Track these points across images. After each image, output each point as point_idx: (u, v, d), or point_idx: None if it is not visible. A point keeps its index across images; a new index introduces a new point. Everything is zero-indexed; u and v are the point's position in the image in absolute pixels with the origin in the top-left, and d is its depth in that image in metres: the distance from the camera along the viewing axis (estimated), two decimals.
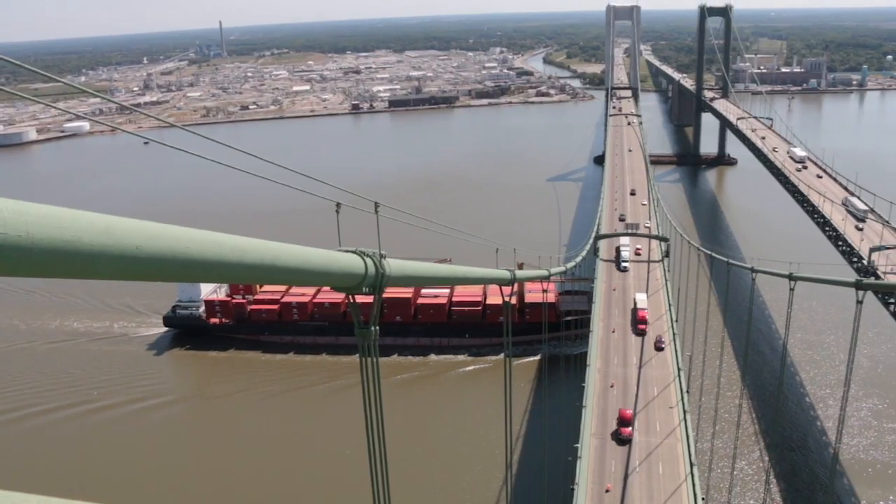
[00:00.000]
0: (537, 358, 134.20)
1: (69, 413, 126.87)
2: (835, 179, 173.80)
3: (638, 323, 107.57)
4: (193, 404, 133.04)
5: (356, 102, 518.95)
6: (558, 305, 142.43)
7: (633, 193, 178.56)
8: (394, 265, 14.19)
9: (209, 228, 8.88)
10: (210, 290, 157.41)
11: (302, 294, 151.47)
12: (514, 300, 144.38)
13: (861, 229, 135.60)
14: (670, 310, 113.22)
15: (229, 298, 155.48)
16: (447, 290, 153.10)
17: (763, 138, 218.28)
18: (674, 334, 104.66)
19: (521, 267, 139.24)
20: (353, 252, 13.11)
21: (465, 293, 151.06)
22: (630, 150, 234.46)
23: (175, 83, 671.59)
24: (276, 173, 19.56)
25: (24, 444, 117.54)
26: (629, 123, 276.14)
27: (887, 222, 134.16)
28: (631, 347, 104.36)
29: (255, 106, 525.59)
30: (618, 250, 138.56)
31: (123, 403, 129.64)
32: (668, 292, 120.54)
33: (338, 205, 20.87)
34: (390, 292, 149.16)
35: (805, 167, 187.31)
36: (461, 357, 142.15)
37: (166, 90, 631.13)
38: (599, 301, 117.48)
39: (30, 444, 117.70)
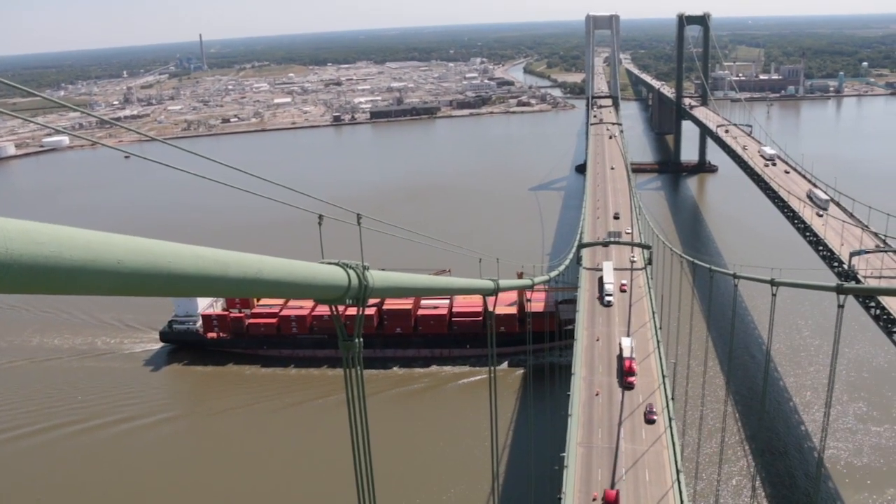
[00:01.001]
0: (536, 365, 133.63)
1: (65, 432, 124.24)
2: (801, 174, 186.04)
3: (625, 374, 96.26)
4: (193, 421, 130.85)
5: (337, 114, 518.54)
6: (558, 314, 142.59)
7: (616, 217, 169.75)
8: (377, 276, 14.16)
9: (192, 242, 8.83)
10: (207, 305, 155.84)
11: (300, 307, 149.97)
12: (515, 309, 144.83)
13: (821, 215, 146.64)
14: (654, 317, 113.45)
15: (227, 312, 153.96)
16: (447, 301, 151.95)
17: (745, 147, 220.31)
18: (658, 342, 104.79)
19: (520, 276, 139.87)
20: (336, 264, 13.08)
21: (465, 304, 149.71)
22: (612, 162, 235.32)
23: (155, 97, 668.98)
24: (258, 186, 19.51)
25: (19, 465, 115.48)
26: (611, 137, 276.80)
27: (852, 214, 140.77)
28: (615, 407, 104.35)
29: (236, 119, 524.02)
30: (601, 283, 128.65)
31: (121, 421, 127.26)
32: (651, 300, 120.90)
33: (320, 217, 20.84)
34: (390, 304, 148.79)
35: (774, 164, 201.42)
36: (463, 368, 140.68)
37: (147, 104, 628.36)
38: (583, 309, 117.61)
39: (25, 464, 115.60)
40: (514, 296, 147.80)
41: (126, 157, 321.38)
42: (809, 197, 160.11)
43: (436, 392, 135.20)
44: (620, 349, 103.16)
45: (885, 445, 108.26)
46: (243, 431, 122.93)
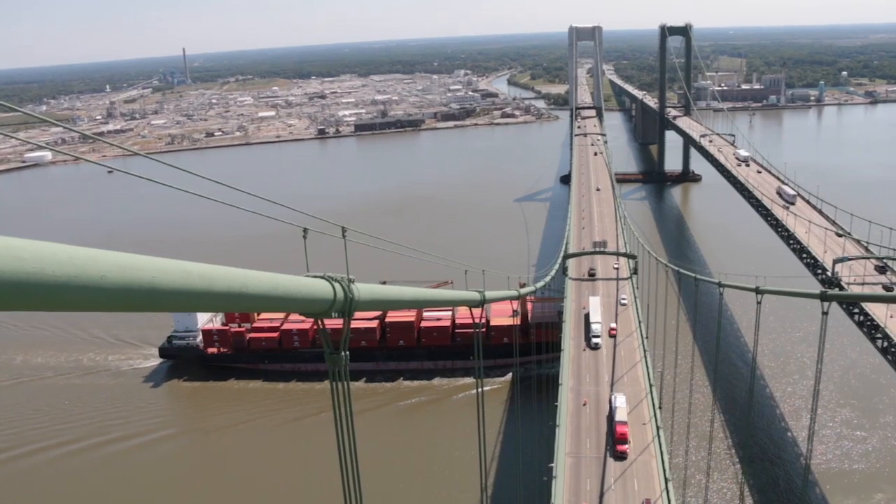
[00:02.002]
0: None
1: (64, 451, 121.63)
2: (770, 173, 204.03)
3: (616, 442, 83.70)
4: (193, 438, 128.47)
5: (322, 127, 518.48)
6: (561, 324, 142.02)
7: (602, 247, 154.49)
8: (363, 289, 14.13)
9: (176, 257, 8.79)
10: (206, 320, 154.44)
11: (302, 321, 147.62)
12: (518, 320, 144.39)
13: (787, 208, 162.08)
14: (640, 327, 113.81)
15: (227, 327, 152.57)
16: (449, 313, 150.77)
17: (720, 149, 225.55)
18: (644, 351, 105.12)
19: (522, 286, 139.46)
20: (322, 277, 13.05)
21: (468, 315, 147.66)
22: (597, 175, 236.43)
23: (139, 111, 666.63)
24: (242, 200, 19.47)
25: (17, 485, 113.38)
26: (595, 150, 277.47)
27: (834, 221, 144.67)
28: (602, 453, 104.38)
29: (220, 132, 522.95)
30: (587, 321, 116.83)
31: (120, 440, 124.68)
32: (636, 309, 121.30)
33: (305, 230, 20.82)
34: (392, 316, 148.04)
35: (748, 165, 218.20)
36: (467, 380, 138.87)
37: (130, 118, 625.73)
38: (569, 319, 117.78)
39: (23, 485, 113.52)
40: (516, 306, 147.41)
41: (109, 171, 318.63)
42: (778, 193, 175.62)
43: (437, 405, 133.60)
44: (611, 408, 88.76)
45: (873, 451, 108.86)
46: (246, 449, 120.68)
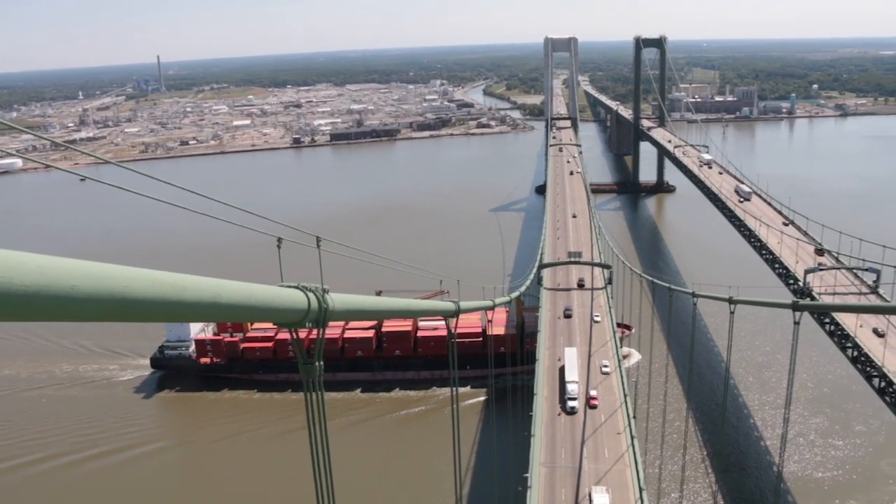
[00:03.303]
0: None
1: (50, 466, 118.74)
2: (731, 175, 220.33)
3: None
4: (188, 451, 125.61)
5: (297, 136, 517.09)
6: None
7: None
8: (337, 299, 14.07)
9: (149, 266, 8.72)
10: (199, 329, 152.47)
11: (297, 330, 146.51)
12: (511, 328, 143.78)
13: (741, 202, 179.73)
14: (615, 336, 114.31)
15: (221, 337, 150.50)
16: (443, 322, 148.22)
17: (685, 152, 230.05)
18: (619, 360, 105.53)
19: (521, 304, 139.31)
20: (296, 287, 12.99)
21: (465, 324, 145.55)
22: (571, 180, 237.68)
23: (112, 119, 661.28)
24: (216, 209, 19.34)
25: (5, 501, 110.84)
26: (571, 173, 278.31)
27: (806, 233, 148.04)
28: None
29: (194, 141, 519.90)
30: (562, 378, 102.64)
31: (110, 453, 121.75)
32: (611, 319, 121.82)
33: (279, 240, 20.73)
34: (389, 326, 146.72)
35: (710, 167, 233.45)
36: (464, 389, 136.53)
37: (103, 126, 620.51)
38: (545, 330, 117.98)
39: (12, 500, 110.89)
40: (511, 314, 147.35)
41: (82, 179, 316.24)
42: (736, 191, 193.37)
43: (432, 415, 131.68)
44: None
45: (846, 459, 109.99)
46: (241, 461, 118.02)
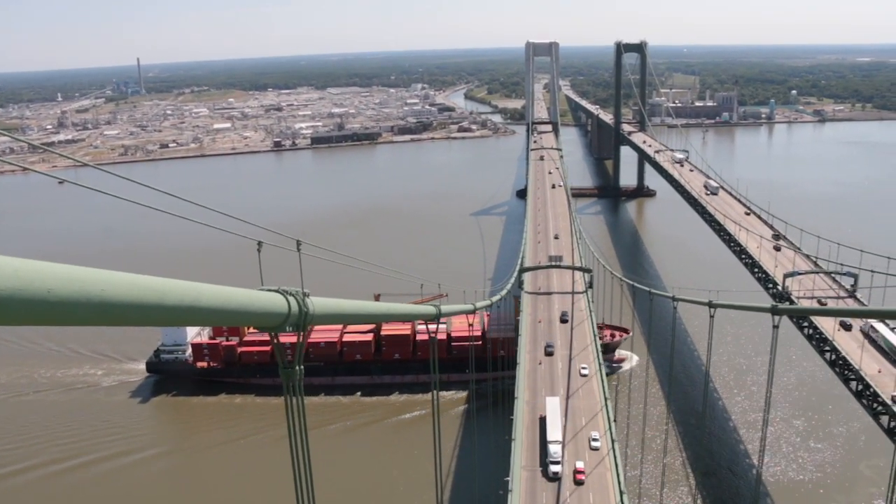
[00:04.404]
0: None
1: (47, 472, 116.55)
2: (701, 171, 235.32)
3: None
4: (184, 457, 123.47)
5: (278, 139, 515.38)
6: None
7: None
8: (318, 303, 14.02)
9: (127, 270, 8.63)
10: (195, 333, 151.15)
11: (294, 333, 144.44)
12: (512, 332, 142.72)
13: (708, 195, 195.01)
14: (595, 340, 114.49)
15: (218, 341, 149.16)
16: (444, 325, 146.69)
17: (657, 152, 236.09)
18: (599, 365, 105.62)
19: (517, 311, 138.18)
20: (276, 291, 12.91)
21: (464, 328, 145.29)
22: (552, 185, 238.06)
23: (91, 121, 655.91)
24: (196, 212, 19.22)
25: None
26: (553, 186, 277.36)
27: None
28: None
29: (174, 144, 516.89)
30: (543, 433, 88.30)
31: (107, 458, 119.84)
32: (592, 323, 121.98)
33: (259, 243, 20.63)
34: (388, 329, 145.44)
35: (682, 165, 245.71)
36: (462, 393, 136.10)
37: (82, 128, 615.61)
38: (525, 333, 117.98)
39: None
40: (509, 316, 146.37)
41: (60, 182, 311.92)
42: (705, 186, 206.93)
43: (428, 420, 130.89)
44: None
45: (826, 461, 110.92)
46: (238, 467, 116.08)
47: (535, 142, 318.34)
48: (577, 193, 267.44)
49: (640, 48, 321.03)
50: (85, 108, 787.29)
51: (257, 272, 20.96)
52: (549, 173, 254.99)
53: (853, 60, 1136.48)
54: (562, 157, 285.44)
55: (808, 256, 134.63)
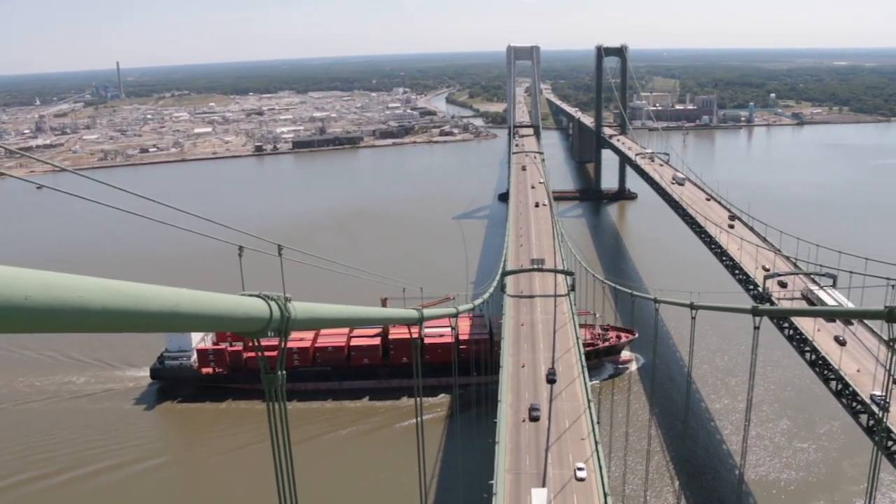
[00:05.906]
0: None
1: (50, 483, 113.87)
2: (671, 166, 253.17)
3: None
4: (191, 465, 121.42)
5: (259, 144, 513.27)
6: None
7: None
8: (299, 308, 13.94)
9: (106, 276, 8.55)
10: (199, 339, 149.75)
11: (301, 339, 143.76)
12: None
13: (674, 184, 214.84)
14: (578, 343, 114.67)
15: (225, 347, 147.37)
16: (448, 329, 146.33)
17: (634, 153, 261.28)
18: (582, 366, 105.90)
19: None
20: (257, 296, 12.83)
21: (469, 330, 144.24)
22: (533, 187, 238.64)
23: (70, 125, 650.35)
24: (177, 217, 19.09)
25: None
26: (533, 187, 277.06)
27: (765, 238, 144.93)
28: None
29: (155, 149, 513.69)
30: None
31: (112, 468, 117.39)
32: (574, 325, 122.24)
33: (240, 248, 20.52)
34: (394, 333, 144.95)
35: (653, 160, 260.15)
36: (474, 395, 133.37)
37: (61, 133, 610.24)
38: (508, 336, 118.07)
39: None
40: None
41: (38, 188, 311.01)
42: (673, 178, 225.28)
43: (443, 423, 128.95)
44: None
45: (810, 461, 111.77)
46: (244, 475, 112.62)
47: (516, 145, 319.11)
48: (559, 197, 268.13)
49: (620, 52, 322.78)
50: (63, 113, 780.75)
51: (238, 278, 20.84)
52: (532, 187, 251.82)
53: (830, 64, 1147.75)
54: (543, 160, 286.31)
55: (787, 258, 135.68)
